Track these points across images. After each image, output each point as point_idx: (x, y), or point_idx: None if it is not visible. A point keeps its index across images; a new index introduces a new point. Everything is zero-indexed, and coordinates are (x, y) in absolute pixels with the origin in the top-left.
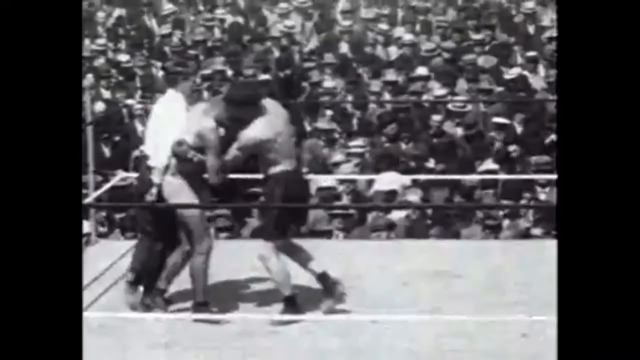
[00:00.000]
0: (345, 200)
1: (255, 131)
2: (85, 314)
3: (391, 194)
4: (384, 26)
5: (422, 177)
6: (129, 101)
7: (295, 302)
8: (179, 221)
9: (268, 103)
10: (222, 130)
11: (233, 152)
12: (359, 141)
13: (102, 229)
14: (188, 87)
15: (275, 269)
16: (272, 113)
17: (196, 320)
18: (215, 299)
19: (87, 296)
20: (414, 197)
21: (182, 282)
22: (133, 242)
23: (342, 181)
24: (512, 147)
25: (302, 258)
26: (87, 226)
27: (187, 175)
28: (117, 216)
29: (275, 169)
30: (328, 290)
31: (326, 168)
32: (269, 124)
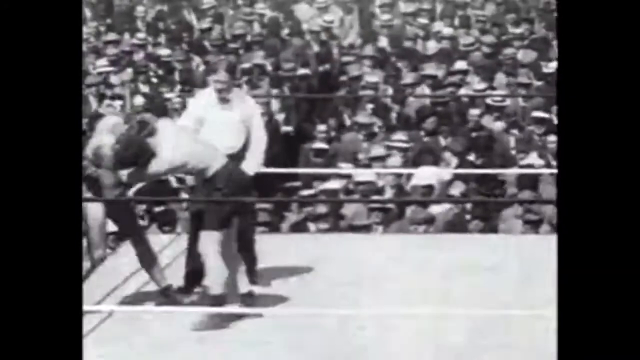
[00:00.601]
0: (387, 194)
1: (159, 166)
2: (117, 308)
3: (428, 188)
4: (423, 20)
5: (461, 171)
6: (168, 95)
7: (223, 303)
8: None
9: (163, 130)
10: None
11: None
12: (401, 135)
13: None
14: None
15: (213, 267)
16: (169, 142)
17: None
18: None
19: (120, 290)
20: (456, 191)
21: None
22: (171, 236)
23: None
24: (551, 138)
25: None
26: None
27: (89, 186)
28: (156, 210)
29: (204, 176)
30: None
31: (362, 162)
32: (169, 154)
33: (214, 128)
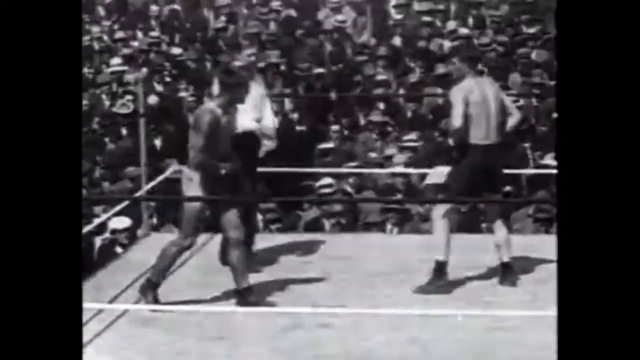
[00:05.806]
0: (399, 194)
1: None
2: (119, 306)
3: (442, 188)
4: (437, 20)
5: None
6: (182, 94)
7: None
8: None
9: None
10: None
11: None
12: (412, 135)
13: (152, 222)
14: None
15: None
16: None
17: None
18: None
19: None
20: None
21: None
22: None
23: (393, 174)
24: None
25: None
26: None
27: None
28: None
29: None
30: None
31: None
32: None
33: None
